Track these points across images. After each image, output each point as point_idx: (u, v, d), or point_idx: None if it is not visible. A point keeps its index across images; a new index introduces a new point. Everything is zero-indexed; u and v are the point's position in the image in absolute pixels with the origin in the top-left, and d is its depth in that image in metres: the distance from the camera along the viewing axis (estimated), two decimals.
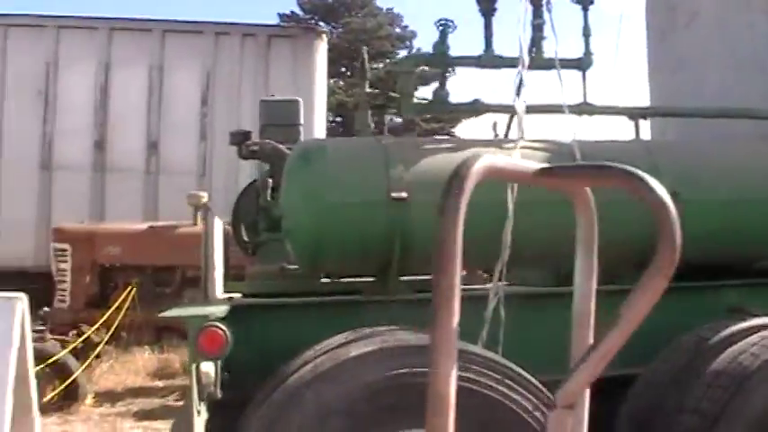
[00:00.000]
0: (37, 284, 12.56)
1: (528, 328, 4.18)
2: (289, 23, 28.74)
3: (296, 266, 5.10)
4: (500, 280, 4.04)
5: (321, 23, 31.03)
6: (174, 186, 12.98)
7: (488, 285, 4.32)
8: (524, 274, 5.18)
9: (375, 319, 4.03)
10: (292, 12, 35.38)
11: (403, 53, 34.67)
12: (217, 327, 3.38)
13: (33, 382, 2.89)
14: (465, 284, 4.69)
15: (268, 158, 5.98)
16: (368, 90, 4.73)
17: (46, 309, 8.52)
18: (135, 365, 9.43)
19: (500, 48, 4.78)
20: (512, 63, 4.61)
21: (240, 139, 6.27)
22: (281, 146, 5.78)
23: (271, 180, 5.86)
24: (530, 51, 4.71)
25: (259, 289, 5.06)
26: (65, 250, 10.11)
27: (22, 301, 2.89)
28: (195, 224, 10.14)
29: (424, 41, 50.18)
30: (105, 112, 13.28)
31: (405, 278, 4.46)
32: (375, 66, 35.65)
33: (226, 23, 13.77)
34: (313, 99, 13.03)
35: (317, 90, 13.33)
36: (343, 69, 31.39)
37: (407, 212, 4.11)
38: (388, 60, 33.77)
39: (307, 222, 4.17)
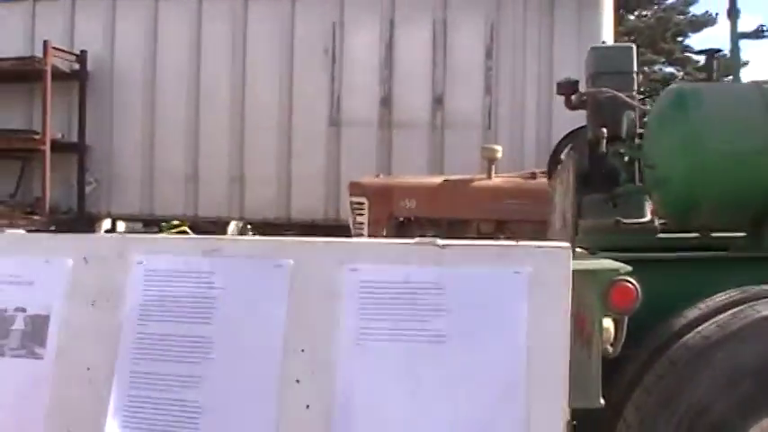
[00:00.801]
0: (327, 237, 13.10)
1: None
2: None
3: (638, 221, 4.91)
4: None
5: None
6: (459, 140, 13.02)
7: None
8: None
9: (745, 277, 3.79)
10: None
11: None
12: (629, 281, 3.23)
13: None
14: None
15: (601, 108, 5.75)
16: (739, 32, 4.42)
17: None
18: None
19: None
20: None
21: (568, 89, 6.08)
22: (620, 94, 5.53)
23: (605, 129, 5.64)
24: None
25: (594, 244, 4.88)
26: (362, 204, 10.28)
27: (569, 251, 2.69)
28: (489, 177, 10.08)
29: None
30: (390, 68, 13.43)
31: None
32: (644, 13, 34.54)
33: None
34: None
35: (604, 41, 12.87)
36: None
37: None
38: (656, 7, 32.57)
39: (684, 172, 3.97)
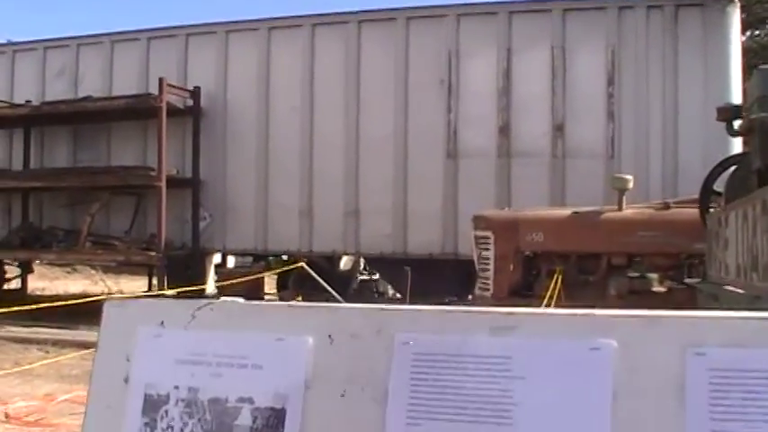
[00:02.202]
0: (444, 271, 12.83)
1: None
2: None
3: None
4: None
5: None
6: (580, 170, 12.59)
7: None
8: None
9: None
10: None
11: None
12: None
13: None
14: None
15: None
16: None
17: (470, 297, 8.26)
18: None
19: None
20: None
21: (730, 114, 5.66)
22: None
23: None
24: None
25: None
26: (487, 238, 9.93)
27: None
28: (620, 209, 9.64)
29: None
30: (508, 97, 13.08)
31: None
32: (756, 33, 33.41)
33: None
34: (728, 72, 12.07)
35: (732, 63, 12.31)
36: None
37: None
38: None
39: None
